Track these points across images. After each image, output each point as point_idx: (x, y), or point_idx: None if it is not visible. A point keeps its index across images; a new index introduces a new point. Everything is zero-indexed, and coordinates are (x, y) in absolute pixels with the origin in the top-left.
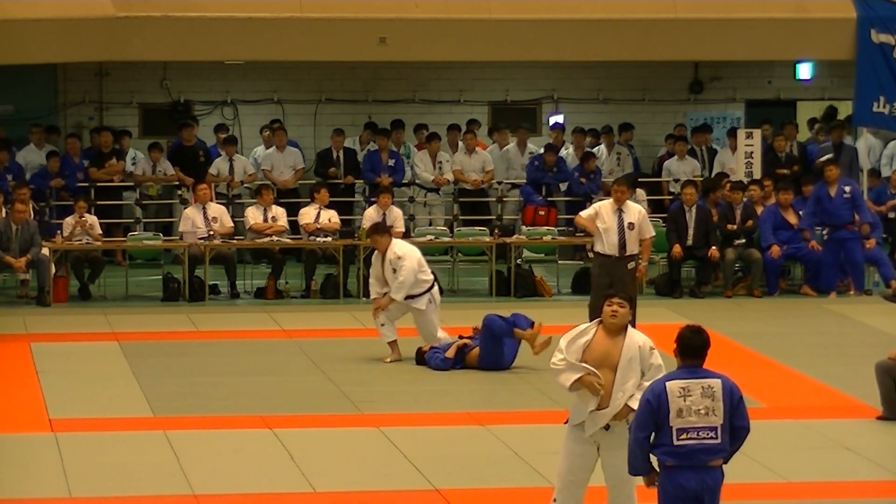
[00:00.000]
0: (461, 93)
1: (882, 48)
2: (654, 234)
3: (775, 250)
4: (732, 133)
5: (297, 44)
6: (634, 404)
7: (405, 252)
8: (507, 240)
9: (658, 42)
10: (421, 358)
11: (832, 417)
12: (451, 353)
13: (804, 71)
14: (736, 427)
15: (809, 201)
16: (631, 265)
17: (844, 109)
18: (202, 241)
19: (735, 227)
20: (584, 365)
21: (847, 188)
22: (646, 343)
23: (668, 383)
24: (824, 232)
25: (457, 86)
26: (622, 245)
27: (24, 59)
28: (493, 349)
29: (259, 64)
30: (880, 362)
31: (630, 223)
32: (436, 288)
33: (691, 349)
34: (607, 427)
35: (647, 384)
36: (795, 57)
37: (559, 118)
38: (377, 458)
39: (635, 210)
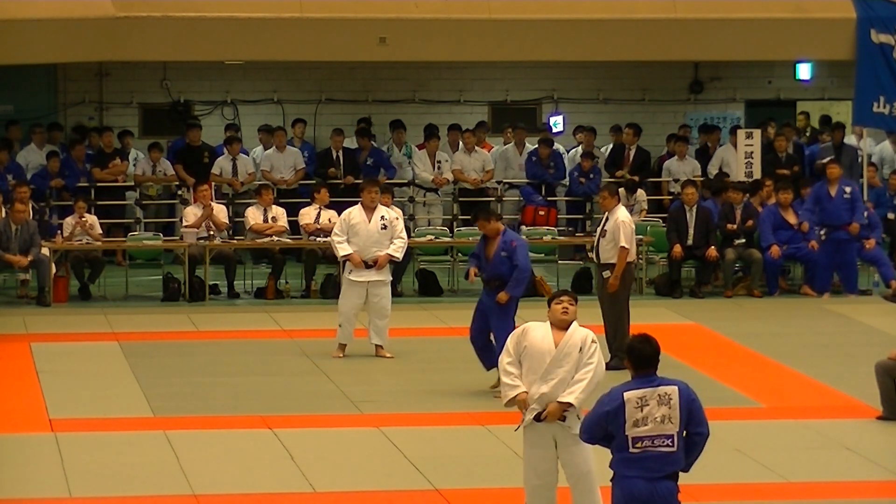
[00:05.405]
0: (461, 93)
1: (882, 48)
2: (625, 244)
3: (775, 250)
4: (735, 131)
5: (297, 44)
6: (569, 399)
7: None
8: None
9: (658, 42)
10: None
11: (832, 417)
12: None
13: (804, 71)
14: (693, 433)
15: (809, 199)
16: (605, 274)
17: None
18: (202, 240)
19: (735, 227)
20: (520, 386)
21: (847, 189)
22: (588, 336)
23: (625, 393)
24: (822, 232)
25: (457, 86)
26: (596, 252)
27: (24, 59)
28: None
29: (259, 64)
30: (880, 362)
31: (604, 230)
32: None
33: (643, 358)
34: (563, 419)
35: (584, 379)
36: (795, 57)
37: (559, 119)
38: (377, 458)
39: (614, 217)
